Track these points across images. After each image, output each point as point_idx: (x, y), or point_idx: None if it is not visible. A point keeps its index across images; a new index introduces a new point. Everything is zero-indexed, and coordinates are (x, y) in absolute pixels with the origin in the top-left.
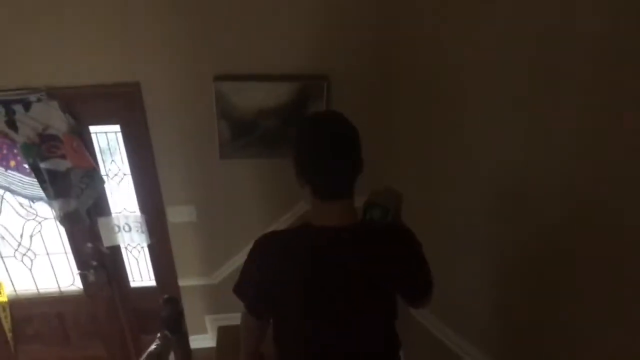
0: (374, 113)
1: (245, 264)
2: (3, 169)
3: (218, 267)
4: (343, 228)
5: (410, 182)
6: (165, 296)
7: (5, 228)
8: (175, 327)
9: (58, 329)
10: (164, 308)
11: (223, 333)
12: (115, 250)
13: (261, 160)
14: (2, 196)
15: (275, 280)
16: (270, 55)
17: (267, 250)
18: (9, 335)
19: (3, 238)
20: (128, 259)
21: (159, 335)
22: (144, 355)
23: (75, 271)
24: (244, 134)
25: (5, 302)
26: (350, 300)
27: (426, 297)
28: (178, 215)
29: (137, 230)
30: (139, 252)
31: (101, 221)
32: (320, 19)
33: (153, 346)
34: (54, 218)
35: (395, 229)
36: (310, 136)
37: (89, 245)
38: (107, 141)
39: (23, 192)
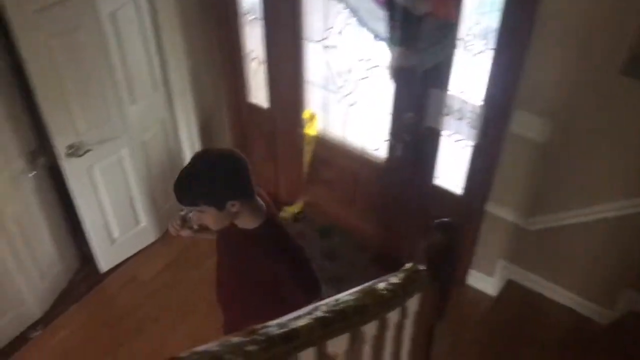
0: None
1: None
2: None
3: (542, 212)
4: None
5: None
6: (441, 220)
7: (336, 62)
8: (440, 265)
9: (349, 187)
10: (430, 234)
11: (510, 289)
12: (434, 135)
13: None
14: (347, 23)
15: None
16: None
17: None
18: (306, 170)
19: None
20: (442, 151)
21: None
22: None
23: (386, 137)
24: None
25: (312, 137)
26: None
27: None
28: (525, 126)
29: (469, 123)
30: (459, 149)
31: (434, 93)
32: None
33: (390, 282)
34: (388, 68)
35: None
36: (228, 162)
37: (409, 115)
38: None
39: (368, 23)
